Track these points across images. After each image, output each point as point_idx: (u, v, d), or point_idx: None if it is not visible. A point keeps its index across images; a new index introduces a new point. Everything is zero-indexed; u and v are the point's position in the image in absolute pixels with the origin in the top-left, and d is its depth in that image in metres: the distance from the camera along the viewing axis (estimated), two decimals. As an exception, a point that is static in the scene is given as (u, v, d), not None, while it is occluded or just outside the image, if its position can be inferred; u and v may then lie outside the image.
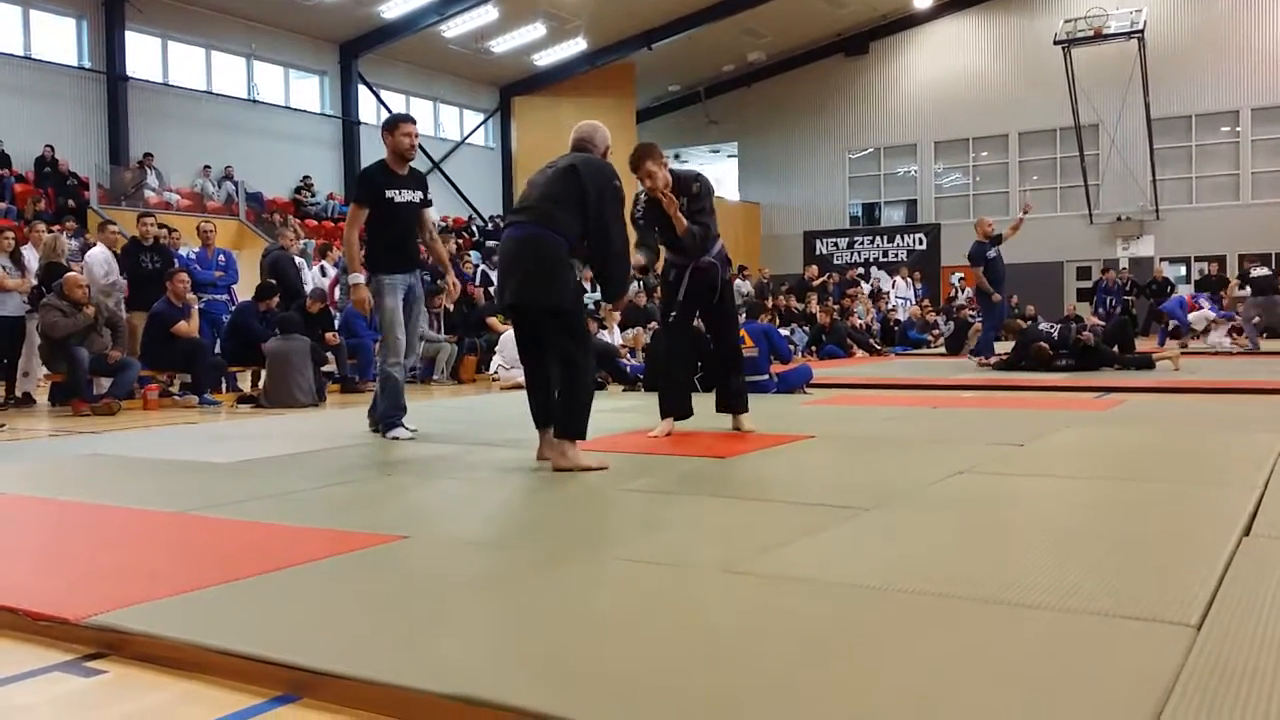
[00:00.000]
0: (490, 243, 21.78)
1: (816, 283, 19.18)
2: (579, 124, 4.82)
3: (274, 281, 10.25)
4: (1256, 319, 14.22)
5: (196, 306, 9.67)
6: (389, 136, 5.81)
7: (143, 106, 19.75)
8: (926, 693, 1.71)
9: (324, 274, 11.91)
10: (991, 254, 11.68)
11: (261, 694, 1.89)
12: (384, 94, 23.96)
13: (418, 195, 5.93)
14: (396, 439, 5.66)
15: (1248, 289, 14.54)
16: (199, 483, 4.32)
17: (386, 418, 5.82)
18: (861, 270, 24.74)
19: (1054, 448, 4.81)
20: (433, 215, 6.46)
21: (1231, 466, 4.05)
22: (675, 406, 5.50)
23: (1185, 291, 18.91)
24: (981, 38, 27.41)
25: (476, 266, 15.73)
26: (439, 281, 13.19)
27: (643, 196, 5.36)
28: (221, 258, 10.95)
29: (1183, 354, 11.64)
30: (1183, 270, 24.80)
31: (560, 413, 4.33)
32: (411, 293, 5.97)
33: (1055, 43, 23.45)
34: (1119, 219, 25.64)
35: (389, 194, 5.75)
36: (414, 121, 5.98)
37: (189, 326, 9.14)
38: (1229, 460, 4.23)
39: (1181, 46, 24.80)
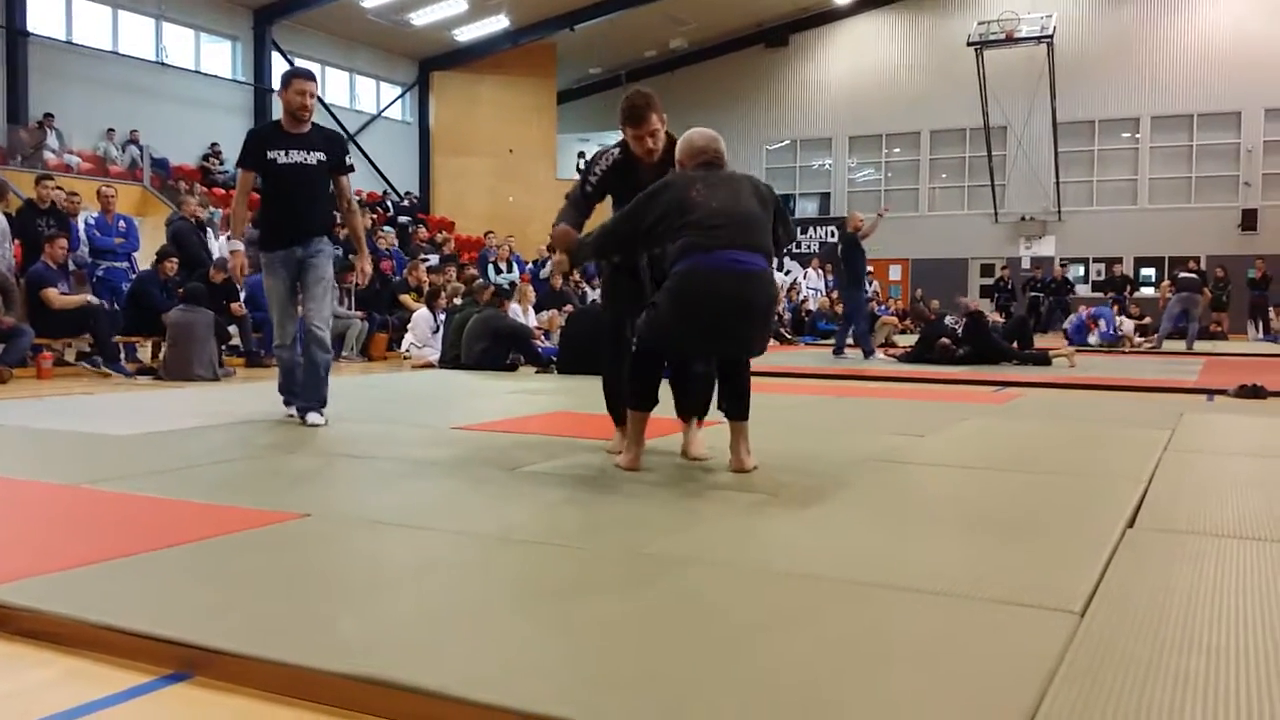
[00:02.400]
0: (402, 218, 21.47)
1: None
2: (698, 135, 3.82)
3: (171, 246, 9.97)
4: (1178, 311, 15.20)
5: (96, 275, 9.35)
6: (282, 93, 5.36)
7: (44, 64, 18.93)
8: (819, 673, 1.74)
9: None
10: (862, 246, 12.22)
11: (152, 672, 1.85)
12: (299, 62, 23.32)
13: (315, 157, 5.32)
14: (291, 416, 5.50)
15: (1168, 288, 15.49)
16: (92, 455, 4.19)
17: (283, 394, 5.63)
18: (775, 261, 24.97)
19: (953, 439, 4.94)
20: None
21: (1119, 460, 4.20)
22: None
23: (1084, 305, 19.32)
24: (898, 35, 27.85)
25: (393, 244, 15.50)
26: (350, 257, 13.03)
27: (615, 155, 4.20)
28: (122, 224, 10.60)
29: (1078, 351, 12.06)
30: (1081, 270, 25.65)
31: (743, 399, 3.87)
32: (309, 266, 5.34)
33: (968, 44, 23.97)
34: (1023, 219, 26.36)
35: (271, 155, 5.23)
36: (311, 78, 5.43)
37: (55, 292, 8.77)
38: (1116, 454, 4.39)
39: (1089, 53, 25.54)
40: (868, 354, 12.21)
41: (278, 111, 5.49)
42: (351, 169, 5.58)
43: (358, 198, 21.04)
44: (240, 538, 2.72)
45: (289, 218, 5.31)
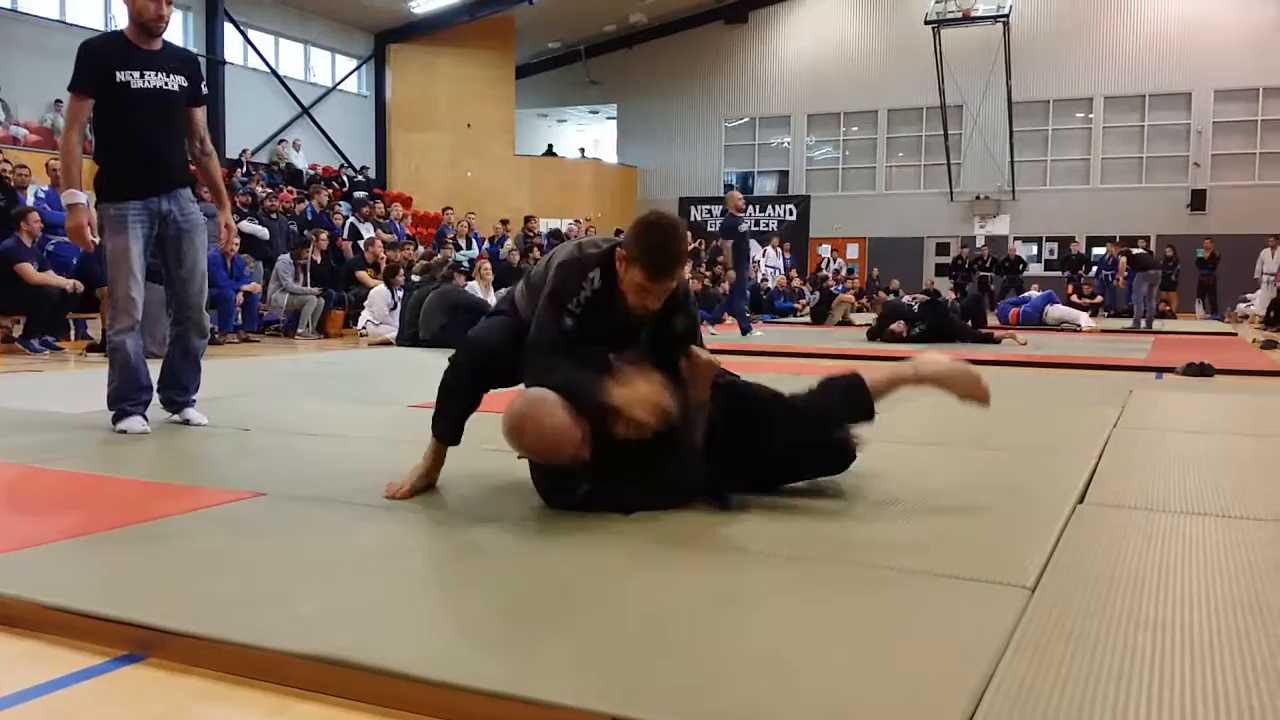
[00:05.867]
0: (359, 194, 21.23)
1: (690, 249, 19.38)
2: None
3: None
4: (1146, 290, 15.00)
5: (46, 249, 9.17)
6: None
7: (-13, 32, 18.49)
8: (771, 648, 1.76)
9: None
10: (743, 227, 12.42)
11: (105, 653, 1.83)
12: (251, 33, 22.91)
13: (176, 81, 4.19)
14: (126, 432, 4.13)
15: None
16: (41, 434, 4.12)
17: (116, 403, 4.23)
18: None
19: (905, 415, 4.97)
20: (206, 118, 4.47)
21: (1069, 437, 4.27)
22: None
23: (1035, 285, 19.29)
24: (857, 13, 27.89)
25: (346, 218, 15.32)
26: (306, 232, 12.85)
27: (595, 281, 2.84)
28: (71, 197, 10.37)
29: (1030, 330, 12.22)
30: (1034, 249, 25.97)
31: None
32: (181, 232, 4.27)
33: (926, 22, 24.06)
34: (978, 198, 26.59)
35: (122, 77, 4.07)
36: None
37: (31, 268, 8.66)
38: (1067, 431, 4.46)
39: (1044, 33, 25.74)
40: (745, 331, 12.46)
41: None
42: (206, 98, 4.51)
43: (311, 171, 20.87)
44: (194, 516, 2.69)
45: (147, 159, 4.16)
